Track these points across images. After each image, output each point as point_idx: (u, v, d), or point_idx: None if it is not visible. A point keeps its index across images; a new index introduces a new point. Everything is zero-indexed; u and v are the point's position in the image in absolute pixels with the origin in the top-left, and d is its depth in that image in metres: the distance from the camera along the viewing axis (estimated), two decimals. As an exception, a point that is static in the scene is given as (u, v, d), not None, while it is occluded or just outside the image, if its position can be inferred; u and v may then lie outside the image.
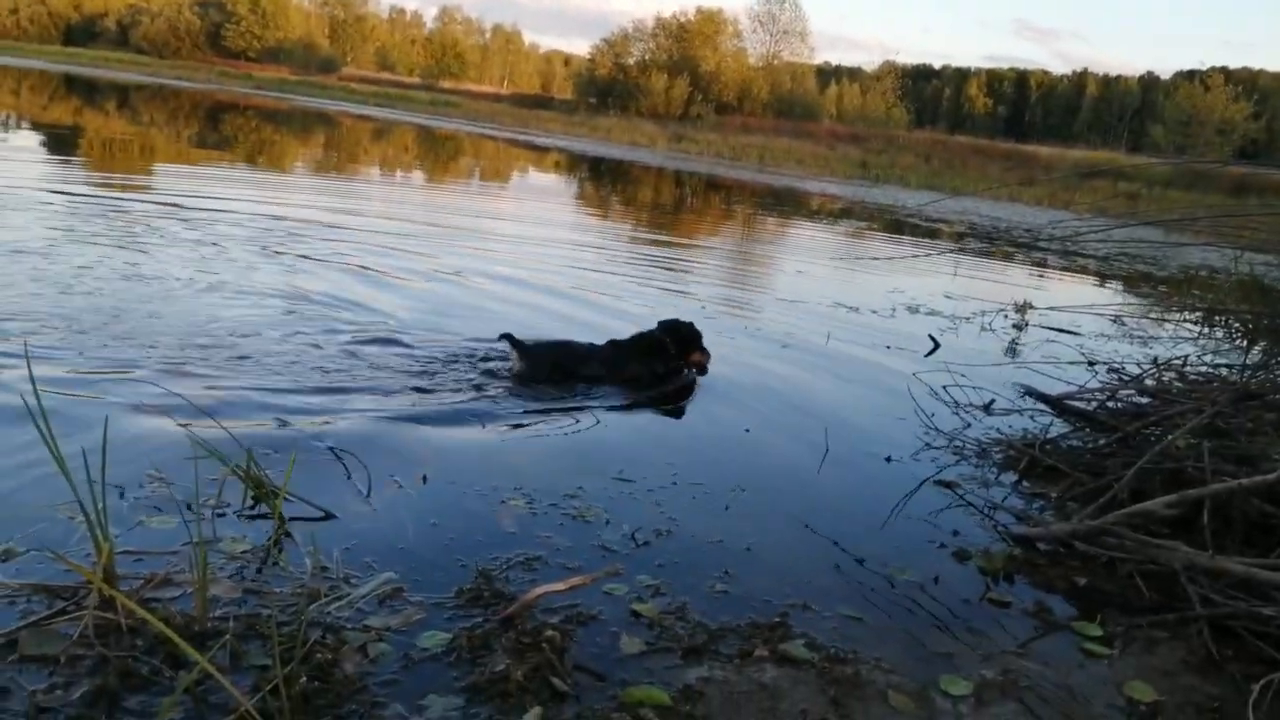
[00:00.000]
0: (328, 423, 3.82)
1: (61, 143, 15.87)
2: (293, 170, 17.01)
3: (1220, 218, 4.96)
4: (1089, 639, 2.82)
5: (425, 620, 2.48)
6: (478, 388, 4.51)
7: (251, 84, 61.68)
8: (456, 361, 4.92)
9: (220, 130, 24.51)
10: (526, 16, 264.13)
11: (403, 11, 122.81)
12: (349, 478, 3.33)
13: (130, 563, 2.55)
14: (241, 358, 4.53)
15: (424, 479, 3.41)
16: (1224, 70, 78.45)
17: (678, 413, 4.77)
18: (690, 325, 5.36)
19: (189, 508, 2.80)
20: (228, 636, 2.26)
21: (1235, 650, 2.78)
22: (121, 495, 2.93)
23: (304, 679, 2.14)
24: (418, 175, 19.85)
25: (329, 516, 3.01)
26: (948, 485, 3.98)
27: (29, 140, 15.63)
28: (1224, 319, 9.36)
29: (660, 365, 5.14)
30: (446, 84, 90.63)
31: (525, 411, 4.25)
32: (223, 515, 2.91)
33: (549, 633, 2.43)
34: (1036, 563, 3.31)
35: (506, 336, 4.80)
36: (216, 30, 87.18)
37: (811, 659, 2.50)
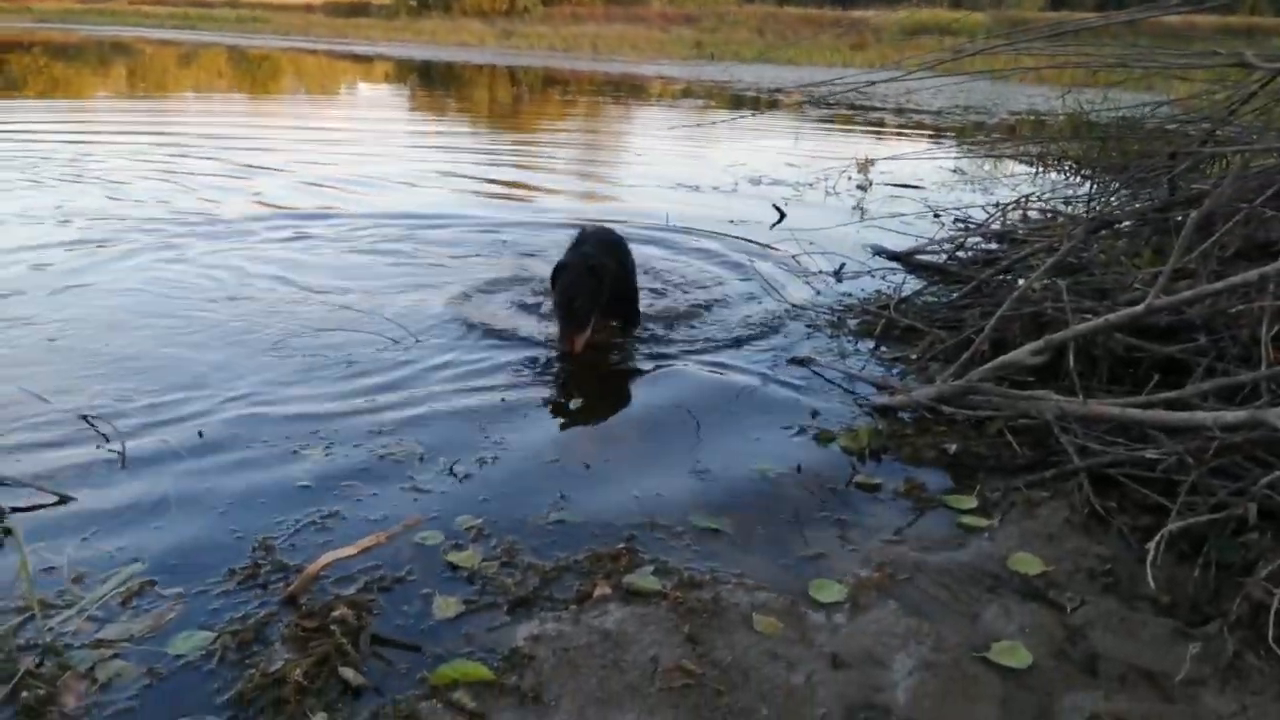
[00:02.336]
0: (74, 377, 3.19)
1: None
2: (96, 100, 15.22)
3: (1044, 47, 4.65)
4: (965, 512, 2.55)
5: (182, 618, 1.98)
6: (272, 314, 3.91)
7: (32, 17, 55.62)
8: (248, 288, 4.28)
9: (4, 72, 21.75)
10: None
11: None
12: (101, 448, 2.74)
13: None
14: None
15: (200, 434, 2.86)
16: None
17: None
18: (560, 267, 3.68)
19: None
20: (-99, 687, 1.73)
21: (1119, 501, 2.55)
22: None
23: (2, 730, 1.63)
24: (246, 97, 18.16)
25: (64, 500, 2.44)
26: (802, 362, 3.66)
27: None
28: (1056, 157, 9.38)
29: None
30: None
31: (323, 345, 3.68)
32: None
33: (340, 610, 1.97)
34: (904, 434, 3.02)
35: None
36: (-21, -40, 78.05)
37: (662, 589, 2.13)
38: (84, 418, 2.91)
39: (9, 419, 2.89)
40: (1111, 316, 2.87)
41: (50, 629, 1.91)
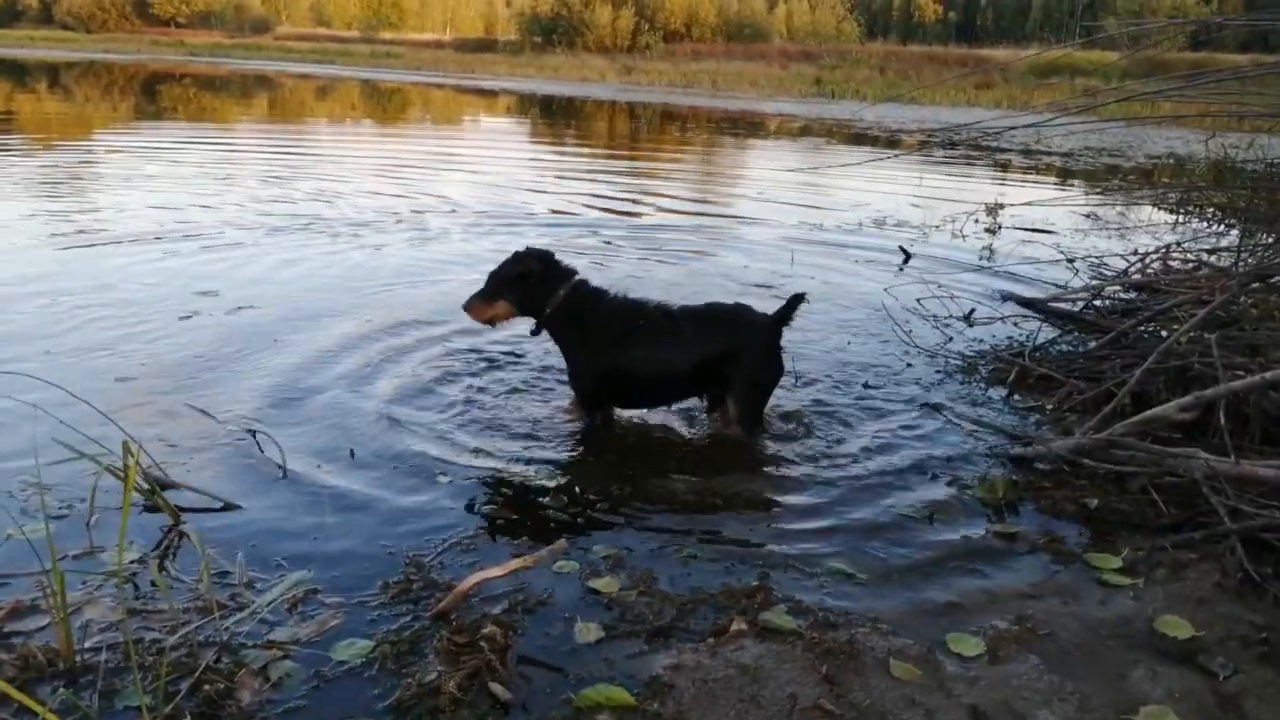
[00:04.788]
0: (238, 396, 3.41)
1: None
2: (237, 127, 16.24)
3: (1178, 94, 4.47)
4: (1108, 570, 2.49)
5: (343, 626, 2.11)
6: (423, 356, 4.10)
7: (184, 51, 59.57)
8: (404, 323, 4.48)
9: (157, 101, 23.33)
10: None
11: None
12: (263, 460, 2.93)
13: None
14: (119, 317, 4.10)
15: (351, 454, 3.02)
16: (1173, -44, 77.42)
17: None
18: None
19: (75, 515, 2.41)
20: (98, 673, 1.89)
21: (1274, 567, 2.46)
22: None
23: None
24: (386, 126, 19.07)
25: (233, 508, 2.62)
26: (934, 408, 3.63)
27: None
28: (1199, 205, 9.02)
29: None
30: (386, 35, 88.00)
31: (462, 374, 3.84)
32: (104, 520, 2.50)
33: (488, 628, 2.06)
34: (1041, 486, 2.97)
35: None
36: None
37: (798, 628, 2.15)
38: (250, 432, 3.11)
39: (179, 430, 3.12)
40: (1269, 374, 2.77)
41: (226, 628, 2.06)
